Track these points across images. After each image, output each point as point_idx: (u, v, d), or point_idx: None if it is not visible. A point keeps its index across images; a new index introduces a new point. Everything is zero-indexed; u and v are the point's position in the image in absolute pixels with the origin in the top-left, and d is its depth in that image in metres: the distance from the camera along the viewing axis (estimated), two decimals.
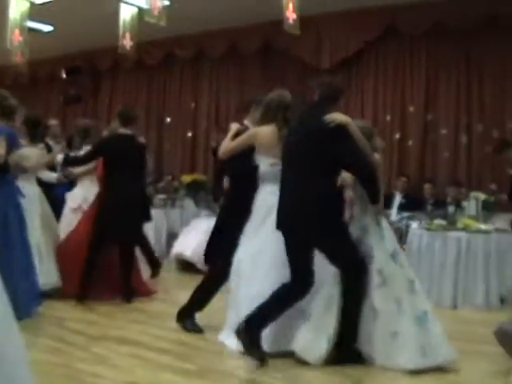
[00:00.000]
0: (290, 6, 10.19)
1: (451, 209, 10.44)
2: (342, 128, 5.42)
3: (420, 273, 8.63)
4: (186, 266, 10.98)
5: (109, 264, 7.98)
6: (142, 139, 8.55)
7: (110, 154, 8.03)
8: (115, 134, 8.26)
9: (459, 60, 12.18)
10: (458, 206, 10.30)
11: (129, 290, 7.98)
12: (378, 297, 5.59)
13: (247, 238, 6.10)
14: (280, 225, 5.64)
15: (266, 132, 6.11)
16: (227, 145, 6.49)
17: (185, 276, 10.69)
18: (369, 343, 5.57)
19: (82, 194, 8.70)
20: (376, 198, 5.76)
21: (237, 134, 6.48)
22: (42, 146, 8.24)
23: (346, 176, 5.77)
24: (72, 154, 8.69)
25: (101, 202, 8.10)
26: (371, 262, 5.67)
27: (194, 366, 5.35)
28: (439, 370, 5.50)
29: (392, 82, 12.89)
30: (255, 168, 6.21)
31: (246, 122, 6.87)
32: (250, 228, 6.11)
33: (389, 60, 12.97)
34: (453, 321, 7.68)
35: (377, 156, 5.85)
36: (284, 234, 5.63)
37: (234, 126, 6.72)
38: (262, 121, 6.27)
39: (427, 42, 12.48)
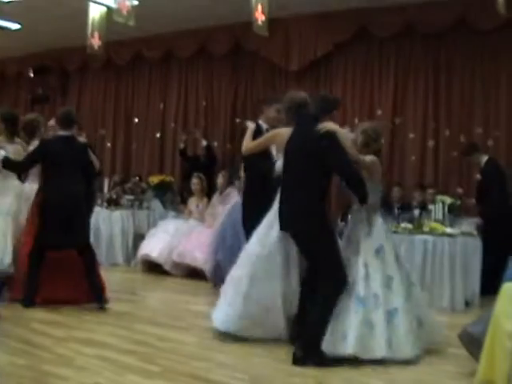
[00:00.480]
0: (259, 7, 10.18)
1: (417, 212, 10.50)
2: (329, 135, 5.91)
3: None
4: (152, 267, 10.95)
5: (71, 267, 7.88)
6: (82, 139, 8.46)
7: (46, 158, 7.83)
8: (53, 137, 8.18)
9: (428, 64, 12.22)
10: (424, 209, 10.35)
11: (99, 294, 7.78)
12: (362, 287, 5.97)
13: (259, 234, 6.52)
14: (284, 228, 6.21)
15: (287, 132, 6.33)
16: (248, 144, 6.94)
17: (151, 277, 10.66)
18: (344, 338, 5.79)
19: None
20: (362, 199, 6.15)
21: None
22: (19, 141, 8.20)
23: None
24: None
25: (39, 207, 7.85)
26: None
27: (158, 367, 5.33)
28: (403, 370, 5.56)
29: (360, 84, 12.91)
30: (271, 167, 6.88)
31: (260, 121, 7.51)
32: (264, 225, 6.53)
33: (358, 63, 12.99)
34: None
35: (368, 158, 6.27)
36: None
37: (252, 125, 7.21)
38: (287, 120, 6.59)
39: (397, 45, 12.52)
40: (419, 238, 8.78)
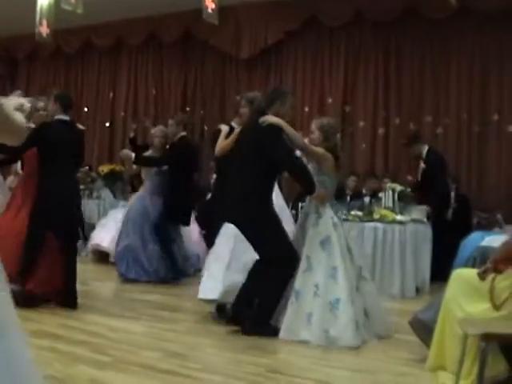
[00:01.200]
0: None
1: (367, 200, 10.55)
2: (271, 128, 6.09)
3: None
4: (103, 257, 10.88)
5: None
6: (80, 126, 8.22)
7: (48, 142, 7.35)
8: (55, 120, 7.74)
9: (378, 52, 12.29)
10: (375, 197, 10.41)
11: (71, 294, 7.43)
12: (300, 280, 6.14)
13: None
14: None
15: None
16: (221, 143, 7.24)
17: (102, 267, 10.60)
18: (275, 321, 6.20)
19: None
20: (308, 189, 6.32)
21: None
22: None
23: None
24: None
25: (40, 194, 7.32)
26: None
27: (109, 357, 5.30)
28: (354, 356, 5.60)
29: (311, 73, 12.94)
30: None
31: (232, 123, 7.67)
32: None
33: (308, 51, 13.01)
34: None
35: (319, 149, 6.37)
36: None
37: (225, 128, 7.49)
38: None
39: (347, 33, 12.58)
40: (369, 225, 8.84)
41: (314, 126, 6.55)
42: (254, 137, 6.18)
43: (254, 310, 6.22)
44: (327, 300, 6.04)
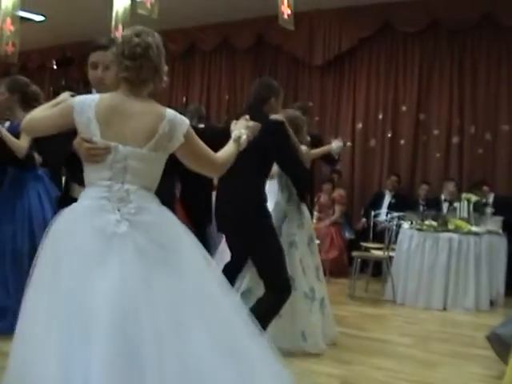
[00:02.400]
0: (286, 1, 10.10)
1: (446, 206, 10.44)
2: (278, 127, 5.53)
3: (410, 274, 8.63)
4: None
5: None
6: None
7: None
8: None
9: (453, 60, 12.10)
10: (451, 205, 10.27)
11: None
12: (304, 284, 6.02)
13: None
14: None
15: None
16: None
17: None
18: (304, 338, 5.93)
19: None
20: (304, 194, 6.38)
21: None
22: None
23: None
24: None
25: None
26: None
27: None
28: (428, 371, 5.49)
29: (385, 80, 12.80)
30: None
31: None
32: None
33: (382, 58, 12.88)
34: (442, 323, 7.68)
35: (304, 148, 6.11)
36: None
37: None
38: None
39: (421, 40, 12.40)
40: (444, 235, 8.68)
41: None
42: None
43: None
44: (319, 300, 6.19)
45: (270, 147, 5.43)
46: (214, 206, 5.87)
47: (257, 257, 5.54)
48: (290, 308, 5.75)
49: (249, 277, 5.92)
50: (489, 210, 9.87)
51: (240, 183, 5.37)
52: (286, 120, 5.73)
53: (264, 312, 5.13)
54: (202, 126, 8.61)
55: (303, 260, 6.12)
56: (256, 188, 5.54)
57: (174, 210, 3.69)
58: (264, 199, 5.53)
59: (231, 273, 5.59)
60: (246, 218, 5.43)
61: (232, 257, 6.00)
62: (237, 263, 5.96)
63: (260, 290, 5.51)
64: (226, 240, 6.11)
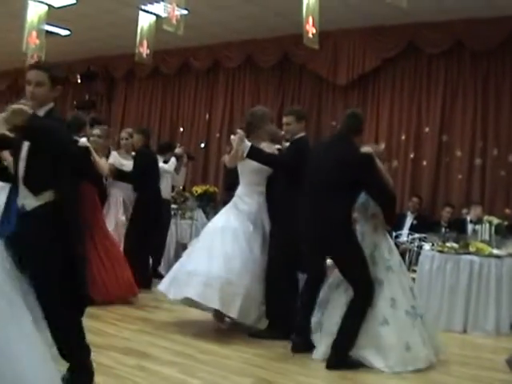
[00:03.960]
0: (311, 20, 10.12)
1: (471, 228, 10.39)
2: (371, 159, 6.17)
3: (430, 295, 8.56)
4: None
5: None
6: (82, 143, 8.02)
7: None
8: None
9: (477, 82, 12.09)
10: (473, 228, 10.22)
11: None
12: (405, 301, 6.23)
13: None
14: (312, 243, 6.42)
15: None
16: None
17: None
18: (377, 350, 6.02)
19: None
20: (393, 219, 6.79)
21: None
22: None
23: None
24: None
25: None
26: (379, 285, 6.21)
27: (199, 380, 5.26)
28: None
29: (408, 100, 12.80)
30: None
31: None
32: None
33: (406, 78, 12.90)
34: (462, 346, 7.59)
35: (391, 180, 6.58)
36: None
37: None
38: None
39: (445, 61, 12.41)
40: (465, 258, 8.61)
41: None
42: (351, 167, 6.17)
43: (338, 342, 6.05)
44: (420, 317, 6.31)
45: (362, 178, 6.20)
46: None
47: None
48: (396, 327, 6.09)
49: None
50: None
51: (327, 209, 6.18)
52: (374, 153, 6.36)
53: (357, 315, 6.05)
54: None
55: (401, 282, 6.34)
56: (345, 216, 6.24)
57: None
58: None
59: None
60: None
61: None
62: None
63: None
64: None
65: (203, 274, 6.70)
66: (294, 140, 7.15)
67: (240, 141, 6.90)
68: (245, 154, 6.91)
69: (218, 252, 6.87)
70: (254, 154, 6.95)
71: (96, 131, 8.46)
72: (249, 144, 6.90)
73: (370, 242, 6.42)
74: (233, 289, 6.70)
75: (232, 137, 7.09)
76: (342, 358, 5.99)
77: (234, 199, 7.36)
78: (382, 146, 7.59)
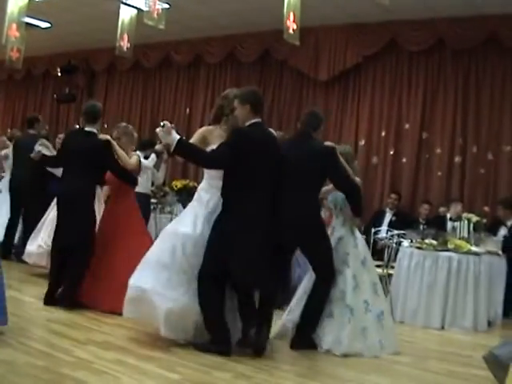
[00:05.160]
0: (291, 15, 10.11)
1: (450, 226, 10.44)
2: (334, 151, 6.59)
3: (408, 292, 8.61)
4: None
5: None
6: (103, 136, 7.84)
7: (63, 151, 8.02)
8: (73, 131, 8.05)
9: (457, 79, 12.15)
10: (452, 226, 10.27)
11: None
12: (351, 297, 6.59)
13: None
14: (288, 234, 6.35)
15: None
16: None
17: None
18: (339, 342, 6.45)
19: None
20: (360, 212, 6.92)
21: None
22: None
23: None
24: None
25: None
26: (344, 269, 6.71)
27: (178, 375, 5.25)
28: None
29: (389, 97, 12.84)
30: None
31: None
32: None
33: (386, 75, 12.93)
34: (440, 342, 7.65)
35: (357, 179, 6.98)
36: (290, 243, 6.56)
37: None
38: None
39: (426, 59, 12.46)
40: (444, 254, 8.65)
41: None
42: (320, 160, 6.48)
43: (303, 324, 6.57)
44: (375, 313, 6.66)
45: (327, 167, 6.47)
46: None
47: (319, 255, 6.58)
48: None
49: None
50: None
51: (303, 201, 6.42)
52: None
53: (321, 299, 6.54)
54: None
55: (357, 276, 6.69)
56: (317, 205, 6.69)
57: None
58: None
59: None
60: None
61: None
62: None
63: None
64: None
65: (130, 286, 6.19)
66: (230, 132, 6.22)
67: (166, 134, 5.95)
68: (171, 149, 5.99)
69: (150, 260, 6.23)
70: (182, 149, 6.08)
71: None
72: (176, 137, 5.92)
73: (337, 236, 6.91)
74: (158, 302, 5.99)
75: (157, 130, 6.05)
76: (305, 339, 6.51)
77: (196, 195, 6.59)
78: (349, 146, 7.54)
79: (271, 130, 6.65)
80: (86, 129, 7.83)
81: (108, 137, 7.74)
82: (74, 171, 7.60)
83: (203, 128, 6.84)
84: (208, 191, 6.43)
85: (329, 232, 6.88)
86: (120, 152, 7.81)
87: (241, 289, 6.14)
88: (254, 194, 6.02)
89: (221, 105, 6.63)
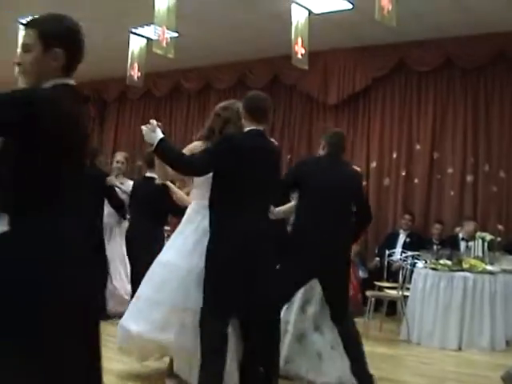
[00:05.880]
0: (299, 40, 10.17)
1: (463, 245, 10.41)
2: (360, 175, 6.71)
3: (424, 313, 8.58)
4: None
5: None
6: (159, 181, 7.85)
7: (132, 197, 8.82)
8: (138, 178, 8.69)
9: (467, 98, 12.13)
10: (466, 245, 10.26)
11: None
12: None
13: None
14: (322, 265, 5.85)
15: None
16: None
17: None
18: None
19: None
20: (364, 230, 7.21)
21: None
22: None
23: None
24: None
25: None
26: None
27: None
28: None
29: (399, 119, 12.83)
30: None
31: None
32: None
33: (396, 97, 12.93)
34: (457, 363, 7.61)
35: None
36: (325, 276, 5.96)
37: None
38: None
39: (435, 79, 12.46)
40: (459, 275, 8.63)
41: None
42: (352, 184, 6.26)
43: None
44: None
45: (358, 192, 6.31)
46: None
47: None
48: None
49: None
50: None
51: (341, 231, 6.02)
52: None
53: None
54: None
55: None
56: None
57: None
58: None
59: None
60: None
61: None
62: None
63: None
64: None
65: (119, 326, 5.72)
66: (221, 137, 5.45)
67: (150, 131, 5.38)
68: (153, 148, 5.30)
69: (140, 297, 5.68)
70: (163, 149, 5.24)
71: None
72: (160, 135, 5.26)
73: None
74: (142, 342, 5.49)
75: (142, 127, 5.48)
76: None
77: (185, 216, 5.90)
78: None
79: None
80: (147, 175, 8.51)
81: (168, 182, 7.71)
82: (141, 215, 8.36)
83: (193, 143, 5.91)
84: (199, 212, 5.60)
85: None
86: (179, 194, 7.67)
87: (261, 328, 5.24)
88: (242, 210, 5.09)
89: (228, 118, 5.72)
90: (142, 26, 11.69)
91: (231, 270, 4.97)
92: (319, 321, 6.31)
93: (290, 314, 6.34)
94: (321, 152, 6.39)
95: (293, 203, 6.42)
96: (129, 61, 11.80)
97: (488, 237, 9.54)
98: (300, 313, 6.38)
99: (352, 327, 5.97)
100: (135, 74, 11.84)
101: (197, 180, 5.70)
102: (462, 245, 10.58)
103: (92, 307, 3.06)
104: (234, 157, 5.06)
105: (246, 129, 5.35)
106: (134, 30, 11.85)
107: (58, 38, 3.08)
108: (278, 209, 6.08)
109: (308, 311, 6.37)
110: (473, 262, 8.87)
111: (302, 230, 6.02)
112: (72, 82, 3.23)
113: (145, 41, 11.81)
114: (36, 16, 3.16)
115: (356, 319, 7.49)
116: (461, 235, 10.91)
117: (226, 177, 5.10)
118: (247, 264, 4.99)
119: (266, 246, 5.16)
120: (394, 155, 12.71)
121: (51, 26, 3.09)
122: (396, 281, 9.74)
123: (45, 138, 2.85)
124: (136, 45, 11.86)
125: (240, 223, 5.01)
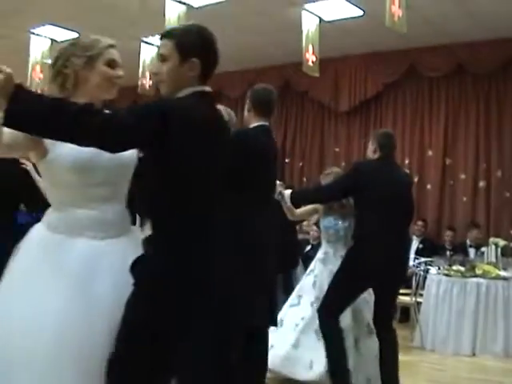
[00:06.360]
0: (310, 48, 10.20)
1: (472, 252, 10.38)
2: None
3: (438, 319, 8.56)
4: None
5: None
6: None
7: None
8: None
9: (479, 104, 12.10)
10: (477, 250, 10.22)
11: None
12: None
13: None
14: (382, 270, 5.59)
15: None
16: None
17: None
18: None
19: None
20: None
21: None
22: None
23: None
24: None
25: None
26: None
27: None
28: None
29: (411, 124, 12.82)
30: None
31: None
32: None
33: (407, 103, 12.92)
34: (471, 369, 7.59)
35: None
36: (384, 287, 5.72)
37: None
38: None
39: (447, 85, 12.44)
40: (472, 281, 8.61)
41: None
42: (406, 188, 6.13)
43: None
44: None
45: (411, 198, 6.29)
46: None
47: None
48: None
49: None
50: None
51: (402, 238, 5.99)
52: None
53: None
54: None
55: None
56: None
57: None
58: None
59: None
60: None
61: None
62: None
63: None
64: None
65: None
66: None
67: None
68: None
69: None
70: None
71: None
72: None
73: (329, 268, 6.18)
74: None
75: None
76: None
77: None
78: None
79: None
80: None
81: None
82: None
83: None
84: None
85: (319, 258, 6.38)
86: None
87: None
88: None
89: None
90: (153, 34, 11.73)
91: None
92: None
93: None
94: (370, 153, 6.03)
95: (311, 206, 6.34)
96: (140, 70, 11.85)
97: (501, 242, 9.50)
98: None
99: (395, 334, 5.78)
100: (147, 82, 11.89)
101: None
102: (471, 251, 10.57)
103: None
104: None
105: (253, 124, 5.16)
106: (145, 39, 11.89)
107: (194, 49, 3.20)
108: (298, 210, 6.11)
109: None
110: (486, 267, 8.85)
111: (366, 242, 5.72)
112: (208, 89, 3.35)
113: (156, 49, 11.83)
114: (171, 27, 3.31)
115: None
116: (468, 242, 10.91)
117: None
118: None
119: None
120: (406, 161, 12.68)
121: (187, 38, 3.23)
122: (409, 287, 9.70)
123: (179, 145, 2.97)
124: (147, 54, 11.91)
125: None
